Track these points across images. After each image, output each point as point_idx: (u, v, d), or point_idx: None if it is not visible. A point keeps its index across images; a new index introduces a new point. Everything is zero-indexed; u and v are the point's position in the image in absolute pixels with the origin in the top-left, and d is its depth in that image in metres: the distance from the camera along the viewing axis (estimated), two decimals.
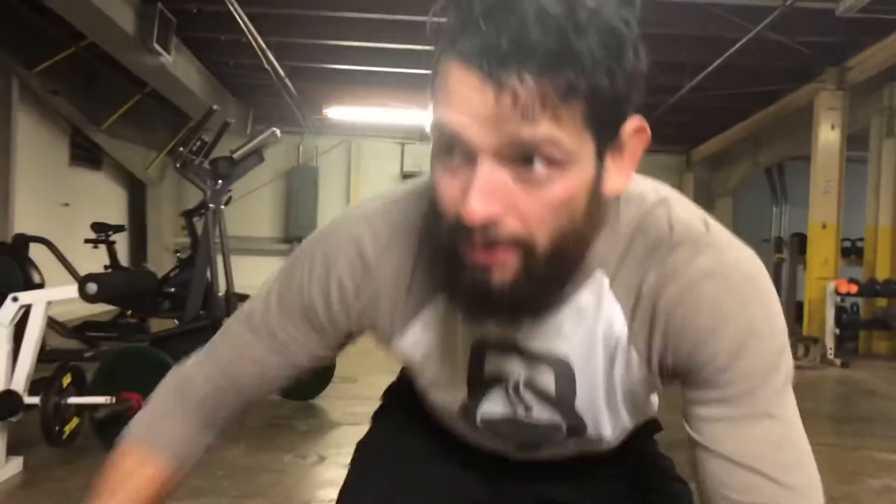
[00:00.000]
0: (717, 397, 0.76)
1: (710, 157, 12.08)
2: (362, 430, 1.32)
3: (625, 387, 0.84)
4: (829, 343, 7.01)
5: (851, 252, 8.11)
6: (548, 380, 0.84)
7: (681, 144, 12.05)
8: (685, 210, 0.80)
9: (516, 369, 0.85)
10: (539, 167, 0.64)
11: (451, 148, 0.66)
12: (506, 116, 0.62)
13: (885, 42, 6.31)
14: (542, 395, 0.85)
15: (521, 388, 0.86)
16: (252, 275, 11.97)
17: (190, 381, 0.94)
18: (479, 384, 0.87)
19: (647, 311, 0.78)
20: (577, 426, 0.88)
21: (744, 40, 6.05)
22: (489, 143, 0.63)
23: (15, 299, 3.09)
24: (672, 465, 1.07)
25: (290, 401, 4.50)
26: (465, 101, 0.63)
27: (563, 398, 0.85)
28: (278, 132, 4.64)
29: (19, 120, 7.33)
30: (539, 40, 0.60)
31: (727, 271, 0.76)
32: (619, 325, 0.80)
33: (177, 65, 7.05)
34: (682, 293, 0.75)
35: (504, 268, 0.68)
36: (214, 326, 4.36)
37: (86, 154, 9.03)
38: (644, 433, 1.04)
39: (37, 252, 4.45)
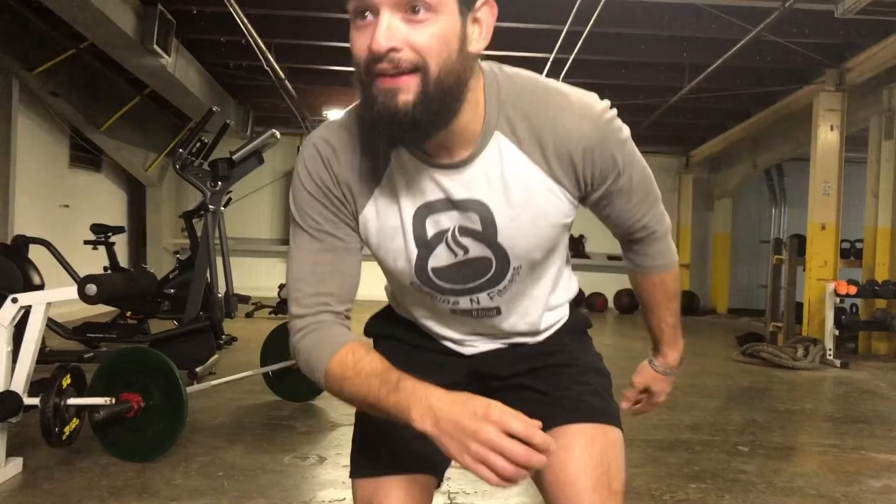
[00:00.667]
0: (612, 187, 1.16)
1: (709, 158, 12.09)
2: None
3: (534, 213, 1.12)
4: (829, 344, 7.02)
5: (850, 253, 8.11)
6: (474, 220, 1.12)
7: (680, 145, 12.07)
8: (527, 75, 1.13)
9: (450, 221, 1.13)
10: (421, 12, 0.94)
11: (362, 12, 0.96)
12: None
13: (885, 43, 6.32)
14: (472, 233, 1.13)
15: (458, 234, 1.13)
16: (252, 276, 12.03)
17: (311, 314, 1.16)
18: (426, 244, 1.14)
19: (554, 155, 1.09)
20: (502, 256, 1.15)
21: (743, 41, 6.06)
22: (388, 0, 0.94)
23: (15, 300, 3.10)
24: (601, 359, 1.40)
25: (290, 401, 4.51)
26: None
27: (488, 232, 1.13)
28: (278, 133, 4.64)
29: (19, 121, 7.34)
30: None
31: (599, 126, 1.12)
32: (531, 168, 1.09)
33: (176, 66, 7.05)
34: (582, 152, 1.09)
35: (407, 89, 0.96)
36: (214, 327, 4.38)
37: (85, 155, 9.03)
38: (575, 326, 1.39)
39: (36, 253, 4.46)
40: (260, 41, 6.57)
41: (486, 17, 1.03)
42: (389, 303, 1.42)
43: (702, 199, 12.73)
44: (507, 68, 1.13)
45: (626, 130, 1.16)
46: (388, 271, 1.24)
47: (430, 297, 1.22)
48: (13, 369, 3.07)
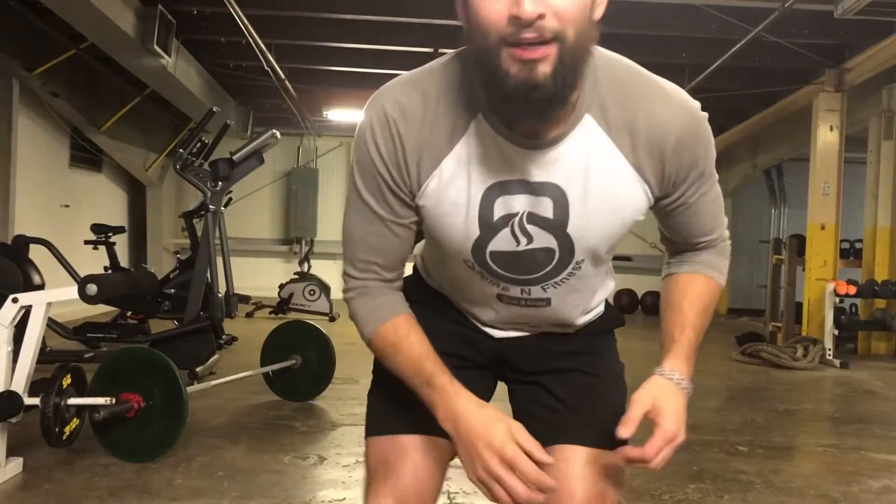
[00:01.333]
0: (690, 187, 1.11)
1: None
2: (362, 430, 1.33)
3: (612, 207, 1.08)
4: (828, 344, 7.02)
5: (850, 253, 8.11)
6: (547, 207, 1.07)
7: None
8: (625, 61, 1.09)
9: (521, 205, 1.07)
10: None
11: None
12: None
13: (884, 44, 6.32)
14: (541, 222, 1.08)
15: (525, 222, 1.08)
16: (252, 276, 12.04)
17: (362, 278, 1.18)
18: (490, 226, 1.08)
19: (644, 144, 1.05)
20: (568, 248, 1.11)
21: (743, 42, 6.07)
22: None
23: (15, 300, 3.10)
24: (623, 368, 1.36)
25: (290, 401, 4.51)
26: None
27: (559, 220, 1.08)
28: (278, 134, 4.64)
29: (20, 122, 7.34)
30: None
31: (693, 119, 1.11)
32: (617, 157, 1.05)
33: (177, 66, 7.05)
34: (674, 144, 1.06)
35: (546, 60, 0.90)
36: (214, 327, 4.39)
37: (86, 156, 9.03)
38: (608, 324, 1.37)
39: (37, 253, 4.46)
40: (260, 41, 6.57)
41: None
42: (418, 270, 1.38)
43: None
44: (605, 51, 1.08)
45: (710, 131, 1.13)
46: (437, 242, 1.17)
47: (479, 276, 1.17)
48: (13, 369, 3.08)
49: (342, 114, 9.63)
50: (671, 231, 1.22)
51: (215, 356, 4.62)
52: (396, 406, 1.22)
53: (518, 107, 0.95)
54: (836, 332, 7.15)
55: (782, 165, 11.73)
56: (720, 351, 7.68)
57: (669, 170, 1.08)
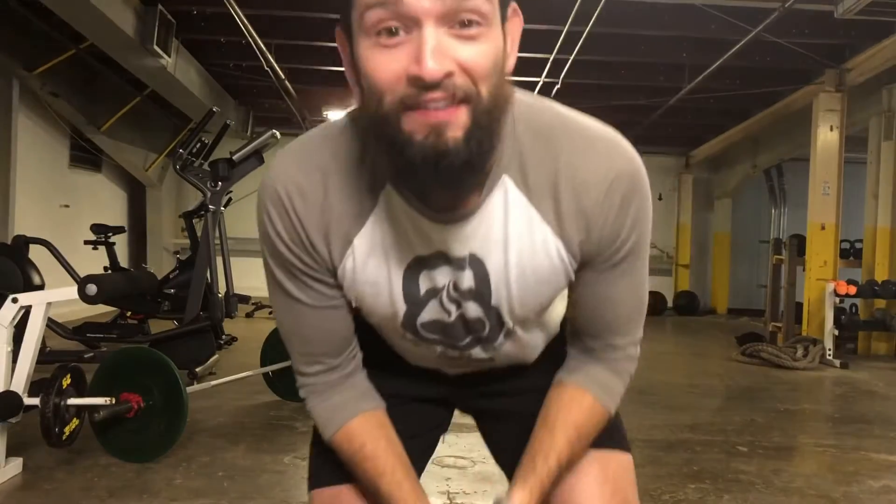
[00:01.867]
0: (612, 258, 0.97)
1: (709, 159, 12.10)
2: None
3: (535, 280, 0.97)
4: (829, 344, 7.02)
5: (850, 253, 8.11)
6: (469, 279, 0.97)
7: (680, 146, 12.07)
8: (550, 108, 0.96)
9: (444, 278, 0.97)
10: (474, 25, 0.75)
11: (390, 28, 0.75)
12: None
13: (884, 44, 6.32)
14: (466, 294, 0.98)
15: (452, 293, 0.98)
16: (252, 276, 11.96)
17: (310, 373, 1.07)
18: (416, 301, 0.99)
19: (569, 206, 0.92)
20: (496, 318, 1.01)
21: (743, 42, 6.07)
22: (435, 10, 0.74)
23: (15, 300, 3.10)
24: None
25: (290, 401, 4.51)
26: None
27: (481, 293, 0.98)
28: (278, 134, 4.64)
29: (19, 122, 7.34)
30: None
31: (623, 169, 0.93)
32: (537, 224, 0.93)
33: (176, 67, 7.05)
34: (600, 199, 0.92)
35: (456, 123, 0.77)
36: (214, 327, 4.39)
37: (86, 156, 9.03)
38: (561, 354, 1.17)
39: (37, 253, 4.46)
40: (260, 41, 6.57)
41: (516, 28, 0.86)
42: None
43: (702, 199, 12.73)
44: (526, 98, 0.94)
45: (648, 187, 0.96)
46: (365, 315, 1.05)
47: (414, 343, 1.07)
48: (13, 369, 3.07)
49: (342, 114, 9.61)
50: (576, 306, 1.04)
51: (215, 356, 4.62)
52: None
53: (427, 177, 0.80)
54: (837, 333, 7.15)
55: (782, 165, 11.74)
56: (720, 351, 7.68)
57: (594, 231, 0.93)
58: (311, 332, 1.02)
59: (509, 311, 1.00)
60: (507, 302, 0.99)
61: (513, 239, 0.94)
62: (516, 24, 0.86)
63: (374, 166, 0.92)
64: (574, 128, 0.94)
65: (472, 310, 1.00)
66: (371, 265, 0.96)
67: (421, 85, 0.74)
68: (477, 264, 0.96)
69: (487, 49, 0.77)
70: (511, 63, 0.85)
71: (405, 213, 0.92)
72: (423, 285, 0.98)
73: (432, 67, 0.73)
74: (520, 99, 0.93)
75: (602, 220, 0.93)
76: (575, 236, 0.94)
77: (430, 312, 1.01)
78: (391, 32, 0.75)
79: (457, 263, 0.96)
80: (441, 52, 0.74)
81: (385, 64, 0.76)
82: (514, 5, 0.84)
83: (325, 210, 0.94)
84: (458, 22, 0.75)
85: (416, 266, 0.96)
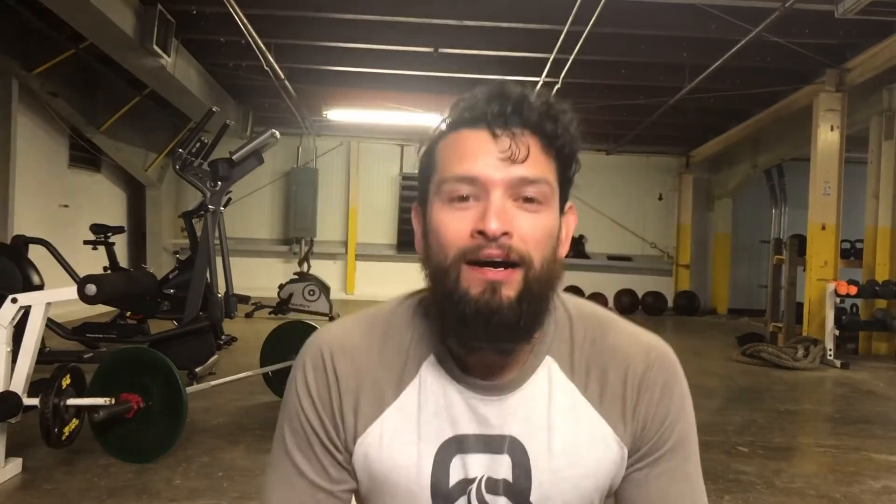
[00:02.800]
0: (660, 448, 0.93)
1: (709, 159, 12.09)
2: None
3: (581, 471, 0.90)
4: (829, 344, 7.02)
5: (851, 253, 8.11)
6: (506, 468, 0.90)
7: (680, 146, 12.07)
8: (588, 303, 1.01)
9: (479, 468, 0.90)
10: (535, 199, 0.85)
11: (462, 192, 0.85)
12: (511, 160, 0.84)
13: (885, 43, 6.32)
14: (501, 488, 0.90)
15: (483, 490, 0.90)
16: (251, 276, 12.01)
17: None
18: (444, 495, 0.90)
19: (612, 390, 0.92)
20: None
21: (743, 42, 6.06)
22: (501, 178, 0.84)
23: (14, 300, 3.09)
24: None
25: None
26: (481, 152, 0.85)
27: (519, 486, 0.90)
28: (278, 133, 4.64)
29: (19, 122, 7.34)
30: (531, 109, 0.87)
31: (663, 350, 0.97)
32: (582, 406, 0.92)
33: (176, 66, 7.05)
34: (642, 373, 0.93)
35: (510, 284, 0.83)
36: (213, 327, 4.38)
37: (85, 156, 9.03)
38: None
39: (36, 253, 4.46)
40: (260, 41, 6.57)
41: (569, 220, 0.94)
42: None
43: (702, 199, 12.73)
44: (568, 295, 1.00)
45: (688, 387, 0.97)
46: None
47: None
48: (13, 369, 3.07)
49: (342, 113, 9.62)
50: None
51: (215, 356, 4.61)
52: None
53: (477, 332, 0.84)
54: (837, 333, 7.15)
55: (783, 165, 11.73)
56: (721, 351, 7.68)
57: (639, 414, 0.93)
58: None
59: None
60: (549, 499, 0.90)
61: (557, 420, 0.91)
62: (571, 220, 0.95)
63: (421, 337, 0.94)
64: (616, 318, 0.99)
65: None
66: (399, 442, 0.91)
67: (483, 239, 0.83)
68: (517, 450, 0.90)
69: (544, 223, 0.86)
70: (563, 250, 0.92)
71: (446, 385, 0.92)
72: (455, 474, 0.90)
73: (494, 225, 0.82)
74: (564, 294, 0.98)
75: (647, 400, 0.93)
76: (620, 419, 0.92)
77: None
78: (464, 198, 0.86)
79: (495, 445, 0.90)
80: (503, 215, 0.83)
81: (455, 222, 0.85)
82: (571, 203, 0.94)
83: (363, 370, 0.93)
84: (523, 197, 0.85)
85: (452, 447, 0.91)
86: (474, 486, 0.90)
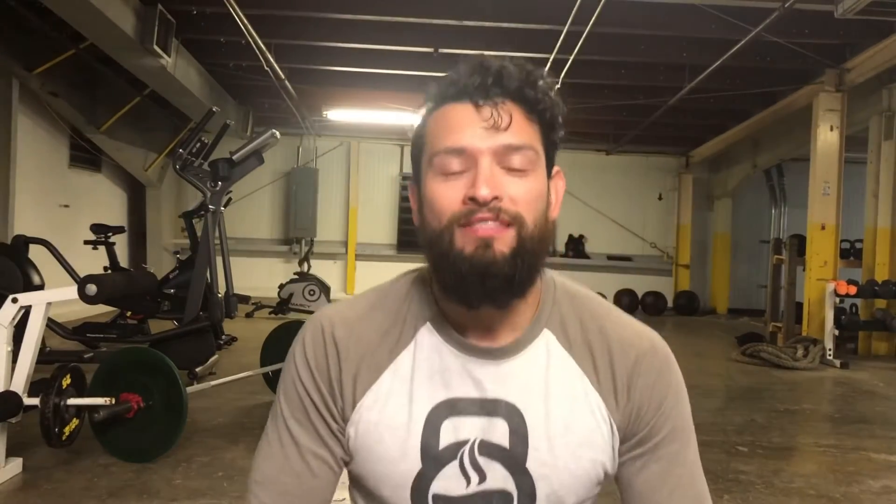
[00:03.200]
0: (656, 433, 0.95)
1: (709, 159, 12.10)
2: None
3: (577, 438, 0.92)
4: (829, 344, 7.02)
5: (850, 253, 8.11)
6: (502, 432, 0.91)
7: (680, 145, 12.07)
8: (583, 287, 1.04)
9: (472, 431, 0.91)
10: (522, 164, 0.88)
11: (451, 164, 0.88)
12: (495, 128, 0.88)
13: (884, 43, 6.32)
14: (496, 452, 0.91)
15: (477, 453, 0.91)
16: (252, 276, 12.00)
17: None
18: (434, 457, 0.91)
19: (606, 365, 0.95)
20: (527, 493, 0.91)
21: (743, 42, 6.06)
22: (487, 147, 0.88)
23: (15, 300, 3.10)
24: None
25: None
26: (466, 123, 0.89)
27: (516, 451, 0.91)
28: (278, 133, 4.64)
29: (19, 121, 7.34)
30: (510, 78, 0.90)
31: (657, 340, 0.99)
32: (578, 377, 0.94)
33: (176, 66, 7.05)
34: (635, 359, 0.95)
35: (503, 240, 0.86)
36: (214, 327, 4.38)
37: (85, 156, 9.03)
38: None
39: (36, 253, 4.46)
40: (260, 41, 6.57)
41: (557, 184, 0.97)
42: None
43: (702, 199, 12.73)
44: (560, 276, 1.03)
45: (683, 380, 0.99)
46: (367, 486, 0.96)
47: None
48: (13, 369, 3.07)
49: (342, 114, 9.63)
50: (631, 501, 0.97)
51: (215, 356, 4.62)
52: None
53: (474, 288, 0.87)
54: (837, 333, 7.15)
55: (782, 165, 11.74)
56: (720, 351, 7.68)
57: (634, 396, 0.94)
58: (292, 483, 0.95)
59: (546, 478, 0.91)
60: (547, 466, 0.91)
61: (554, 389, 0.93)
62: (560, 184, 0.98)
63: (418, 306, 0.97)
64: (611, 306, 1.02)
65: (499, 479, 0.91)
66: (392, 404, 0.93)
67: (474, 204, 0.86)
68: (514, 416, 0.91)
69: (532, 186, 0.89)
70: (554, 212, 0.94)
71: (440, 348, 0.94)
72: (446, 437, 0.91)
73: (484, 191, 0.85)
74: (558, 275, 1.01)
75: (641, 385, 0.95)
76: (612, 395, 0.94)
77: (446, 480, 0.91)
78: (451, 166, 0.89)
79: (491, 409, 0.91)
80: (493, 180, 0.86)
81: (447, 191, 0.88)
82: (558, 167, 0.97)
83: (362, 341, 0.96)
84: (509, 164, 0.88)
85: (443, 409, 0.92)
86: (466, 448, 0.91)
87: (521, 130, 0.89)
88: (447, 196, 0.88)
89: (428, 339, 0.95)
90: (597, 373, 0.95)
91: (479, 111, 0.88)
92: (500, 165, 0.88)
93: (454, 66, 0.94)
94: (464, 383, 0.92)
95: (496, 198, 0.86)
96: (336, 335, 0.96)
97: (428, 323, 0.96)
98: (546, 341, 0.95)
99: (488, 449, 0.91)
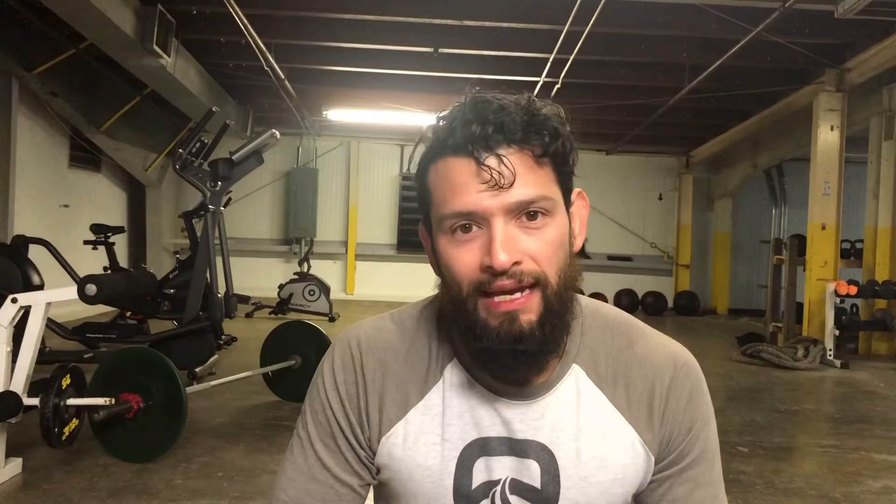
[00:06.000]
0: (685, 456, 0.94)
1: (709, 159, 12.09)
2: None
3: (610, 477, 0.91)
4: (829, 344, 7.02)
5: (851, 253, 8.11)
6: (534, 473, 0.90)
7: (680, 146, 12.07)
8: (612, 308, 1.01)
9: (503, 470, 0.90)
10: (539, 218, 0.83)
11: (465, 226, 0.84)
12: (500, 187, 0.81)
13: (885, 43, 6.32)
14: (528, 493, 0.90)
15: (508, 492, 0.90)
16: (252, 276, 12.00)
17: None
18: (467, 497, 0.90)
19: (639, 396, 0.93)
20: None
21: (743, 42, 6.06)
22: (498, 206, 0.82)
23: (14, 300, 3.09)
24: None
25: (290, 402, 4.50)
26: (469, 182, 0.82)
27: (548, 491, 0.90)
28: (278, 133, 4.64)
29: (19, 121, 7.34)
30: (513, 122, 0.82)
31: (688, 359, 0.97)
32: (610, 412, 0.92)
33: (176, 66, 7.05)
34: (669, 383, 0.94)
35: (529, 309, 0.83)
36: (213, 327, 4.38)
37: (85, 156, 9.03)
38: None
39: (36, 253, 4.46)
40: (260, 41, 6.56)
41: (580, 209, 0.92)
42: None
43: (702, 199, 12.73)
44: (590, 300, 1.00)
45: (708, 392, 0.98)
46: None
47: None
48: (13, 369, 3.07)
49: (342, 113, 9.63)
50: None
51: (215, 356, 4.61)
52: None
53: (504, 361, 0.85)
54: (837, 333, 7.15)
55: (783, 165, 11.73)
56: (721, 351, 7.68)
57: (667, 422, 0.93)
58: None
59: None
60: None
61: (585, 427, 0.91)
62: (582, 206, 0.93)
63: (445, 341, 0.94)
64: (641, 325, 0.99)
65: None
66: (423, 442, 0.91)
67: (492, 273, 0.81)
68: (545, 457, 0.90)
69: (553, 236, 0.84)
70: (579, 242, 0.91)
71: (470, 388, 0.92)
72: (478, 477, 0.90)
73: (502, 258, 0.80)
74: (587, 299, 0.99)
75: (673, 408, 0.93)
76: (648, 427, 0.92)
77: None
78: (465, 229, 0.84)
79: (521, 449, 0.90)
80: (509, 243, 0.82)
81: (462, 256, 0.84)
82: (577, 190, 0.92)
83: (388, 371, 0.94)
84: (525, 214, 0.83)
85: (475, 449, 0.90)
86: (498, 487, 0.90)
87: (530, 181, 0.82)
88: (464, 261, 0.84)
89: (457, 377, 0.92)
90: (629, 405, 0.93)
91: (482, 168, 0.81)
92: (515, 221, 0.83)
93: (450, 108, 0.87)
94: (493, 423, 0.91)
95: (516, 263, 0.81)
96: (364, 363, 0.94)
97: (455, 359, 0.93)
98: (576, 377, 0.93)
99: (520, 488, 0.90)
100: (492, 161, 0.81)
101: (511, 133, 0.82)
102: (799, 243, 8.08)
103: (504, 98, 0.85)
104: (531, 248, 0.83)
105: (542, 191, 0.83)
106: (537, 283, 0.83)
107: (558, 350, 0.89)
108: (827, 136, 7.51)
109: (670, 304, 11.89)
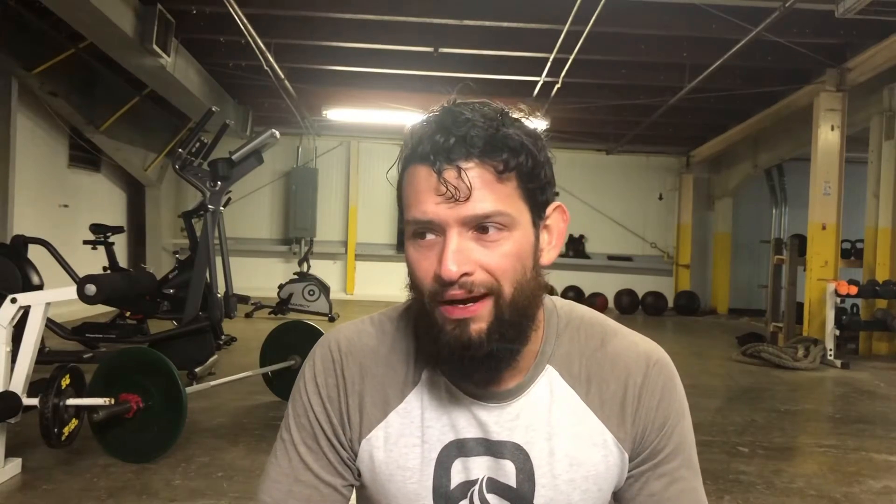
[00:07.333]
0: (659, 452, 0.95)
1: (709, 158, 12.09)
2: None
3: (582, 474, 0.93)
4: (829, 344, 7.01)
5: (851, 253, 8.11)
6: (509, 473, 0.93)
7: (680, 145, 12.06)
8: (587, 310, 1.03)
9: (480, 470, 0.93)
10: (492, 232, 0.84)
11: (423, 232, 0.86)
12: (455, 200, 0.82)
13: (885, 43, 6.31)
14: (504, 491, 0.93)
15: (486, 490, 0.93)
16: (251, 276, 11.99)
17: None
18: (445, 496, 0.93)
19: (612, 394, 0.95)
20: None
21: (743, 41, 6.06)
22: (454, 218, 0.83)
23: (14, 300, 3.09)
24: None
25: None
26: (429, 192, 0.83)
27: (523, 490, 0.93)
28: (277, 133, 4.64)
29: (19, 121, 7.33)
30: (476, 135, 0.83)
31: (661, 356, 0.98)
32: (583, 411, 0.94)
33: (176, 66, 7.04)
34: (641, 382, 0.95)
35: (479, 317, 0.85)
36: (213, 327, 4.38)
37: (85, 155, 9.03)
38: None
39: (36, 253, 4.45)
40: (260, 41, 6.56)
41: (557, 223, 0.93)
42: None
43: (702, 199, 12.73)
44: (562, 300, 1.02)
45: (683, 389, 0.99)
46: None
47: None
48: (12, 369, 3.07)
49: (342, 113, 9.62)
50: None
51: (214, 357, 4.61)
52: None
53: (455, 365, 0.88)
54: (838, 333, 7.14)
55: (783, 165, 11.73)
56: (721, 351, 7.68)
57: (639, 420, 0.95)
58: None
59: None
60: (554, 502, 0.93)
61: (557, 425, 0.93)
62: (560, 220, 0.94)
63: (422, 345, 0.96)
64: (614, 324, 1.01)
65: None
66: (403, 444, 0.94)
67: (441, 283, 0.84)
68: (520, 456, 0.93)
69: (509, 249, 0.85)
70: (552, 254, 0.92)
71: (447, 390, 0.94)
72: (457, 477, 0.93)
73: (450, 268, 0.82)
74: (561, 300, 1.01)
75: (646, 406, 0.95)
76: (621, 425, 0.94)
77: None
78: (423, 235, 0.86)
79: (496, 450, 0.93)
80: (461, 255, 0.83)
81: (421, 261, 0.87)
82: (556, 204, 0.92)
83: (368, 374, 0.96)
84: (479, 227, 0.84)
85: (453, 450, 0.93)
86: (476, 487, 0.93)
87: (488, 196, 0.83)
88: (422, 268, 0.87)
89: (434, 381, 0.95)
90: (602, 404, 0.95)
91: (441, 179, 0.82)
92: (471, 233, 0.84)
93: (426, 115, 0.88)
94: (469, 425, 0.93)
95: (466, 273, 0.83)
96: (345, 365, 0.96)
97: (433, 364, 0.95)
98: (549, 379, 0.95)
99: (497, 488, 0.93)
100: (451, 173, 0.82)
101: (472, 146, 0.82)
102: (799, 243, 8.08)
103: (478, 110, 0.85)
104: (484, 260, 0.84)
105: (499, 206, 0.83)
106: (489, 293, 0.84)
107: (513, 361, 0.91)
108: (827, 136, 7.50)
109: (670, 304, 11.88)
